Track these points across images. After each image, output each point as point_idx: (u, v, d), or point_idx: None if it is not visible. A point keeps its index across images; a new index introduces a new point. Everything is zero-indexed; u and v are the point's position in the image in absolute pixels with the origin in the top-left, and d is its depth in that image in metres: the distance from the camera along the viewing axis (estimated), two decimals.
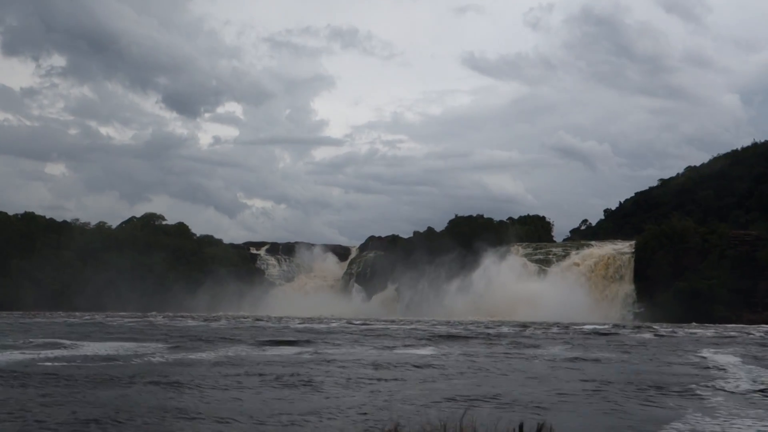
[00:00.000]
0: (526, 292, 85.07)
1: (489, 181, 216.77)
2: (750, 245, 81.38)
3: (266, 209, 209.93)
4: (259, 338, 30.27)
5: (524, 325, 51.87)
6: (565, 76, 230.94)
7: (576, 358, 22.98)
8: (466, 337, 31.72)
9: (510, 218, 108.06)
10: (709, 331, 47.15)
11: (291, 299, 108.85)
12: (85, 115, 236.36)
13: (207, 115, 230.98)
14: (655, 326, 56.87)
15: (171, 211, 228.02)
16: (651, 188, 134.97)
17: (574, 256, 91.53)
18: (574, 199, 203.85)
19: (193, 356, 21.65)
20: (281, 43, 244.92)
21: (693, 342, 33.24)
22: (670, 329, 49.29)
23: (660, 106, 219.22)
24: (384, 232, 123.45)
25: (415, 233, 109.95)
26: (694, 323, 66.70)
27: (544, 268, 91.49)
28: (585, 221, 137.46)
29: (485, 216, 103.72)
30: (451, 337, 31.76)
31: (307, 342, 27.49)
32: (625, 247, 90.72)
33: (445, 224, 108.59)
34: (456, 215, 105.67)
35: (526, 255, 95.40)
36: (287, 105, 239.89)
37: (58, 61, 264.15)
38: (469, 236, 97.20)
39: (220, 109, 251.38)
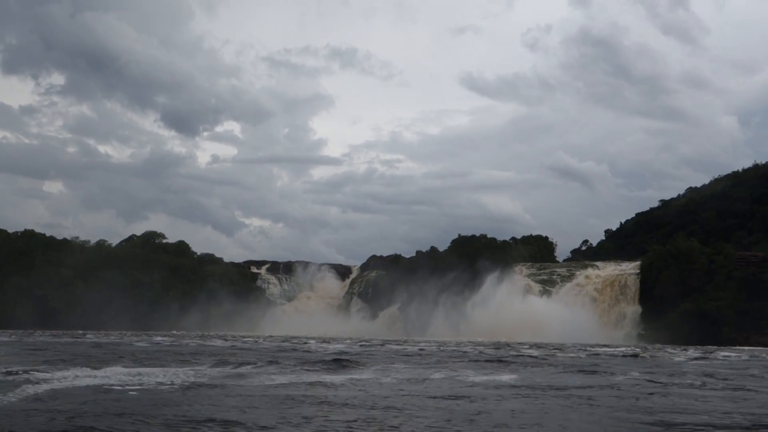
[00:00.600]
0: (532, 313, 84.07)
1: (487, 201, 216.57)
2: (756, 266, 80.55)
3: (264, 228, 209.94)
4: (307, 359, 28.77)
5: (539, 346, 50.76)
6: (563, 97, 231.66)
7: (680, 384, 20.75)
8: (506, 361, 30.29)
9: (513, 238, 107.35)
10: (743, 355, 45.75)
11: (292, 318, 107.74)
12: (83, 134, 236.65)
13: (205, 133, 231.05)
14: (670, 348, 55.81)
15: (169, 229, 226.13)
16: (652, 209, 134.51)
17: (579, 277, 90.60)
18: (572, 219, 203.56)
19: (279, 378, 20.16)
20: (280, 62, 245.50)
21: (747, 363, 32.08)
22: (700, 352, 47.88)
23: (658, 127, 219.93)
24: (382, 252, 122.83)
25: (418, 252, 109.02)
26: (711, 345, 65.67)
27: (548, 288, 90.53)
28: (586, 241, 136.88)
29: (488, 236, 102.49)
30: (499, 361, 30.30)
31: (356, 364, 25.82)
32: (629, 268, 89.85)
33: (445, 243, 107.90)
34: (459, 235, 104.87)
35: (530, 275, 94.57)
36: (286, 124, 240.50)
37: (58, 79, 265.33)
38: (473, 256, 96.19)
39: (218, 128, 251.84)
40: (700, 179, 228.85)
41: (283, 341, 53.17)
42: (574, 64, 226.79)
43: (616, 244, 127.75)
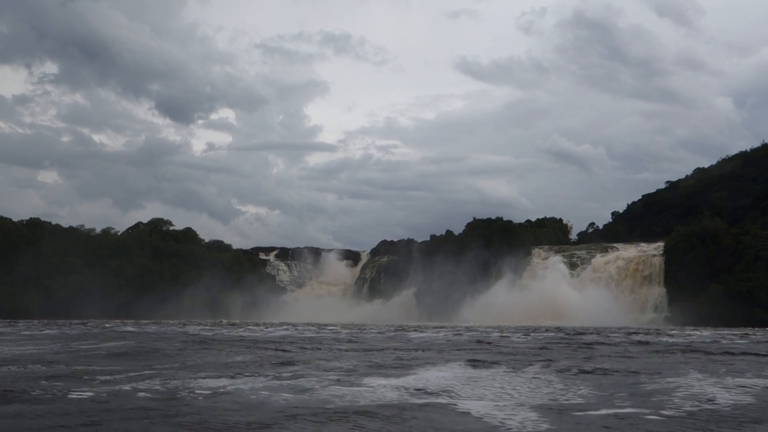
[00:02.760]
0: (555, 297, 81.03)
1: (483, 186, 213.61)
2: None
3: (260, 215, 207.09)
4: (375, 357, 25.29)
5: (579, 332, 47.45)
6: (558, 80, 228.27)
7: None
8: (573, 345, 26.86)
9: (528, 220, 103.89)
10: None
11: (304, 305, 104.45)
12: (77, 123, 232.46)
13: (200, 121, 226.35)
14: (714, 330, 52.72)
15: (165, 217, 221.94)
16: (659, 190, 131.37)
17: (600, 259, 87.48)
18: (570, 203, 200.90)
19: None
20: (274, 48, 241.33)
21: None
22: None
23: (654, 109, 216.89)
24: (379, 237, 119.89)
25: (432, 236, 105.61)
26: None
27: (570, 271, 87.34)
28: (592, 224, 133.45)
29: (503, 218, 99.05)
30: (559, 345, 26.95)
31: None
32: (651, 249, 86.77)
33: (442, 228, 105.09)
34: (474, 218, 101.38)
35: (548, 258, 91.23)
36: (280, 111, 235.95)
37: (51, 68, 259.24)
38: (490, 239, 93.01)
39: (213, 116, 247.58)
40: (697, 161, 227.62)
41: (318, 330, 49.44)
42: (568, 47, 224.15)
43: (624, 226, 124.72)
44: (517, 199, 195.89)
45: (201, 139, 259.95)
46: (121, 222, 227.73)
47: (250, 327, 53.66)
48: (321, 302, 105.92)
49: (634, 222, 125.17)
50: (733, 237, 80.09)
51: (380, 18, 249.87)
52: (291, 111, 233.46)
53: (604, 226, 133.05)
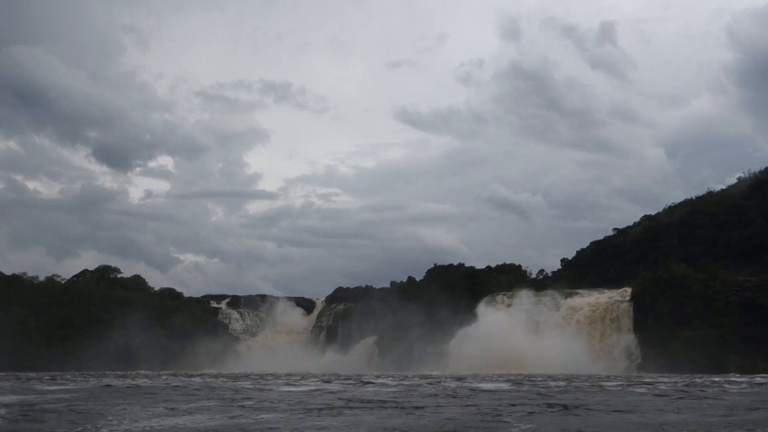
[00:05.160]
0: (524, 344, 77.71)
1: (424, 234, 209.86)
2: (752, 291, 75.98)
3: (199, 263, 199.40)
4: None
5: (552, 379, 43.97)
6: (497, 130, 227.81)
7: None
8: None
9: (488, 267, 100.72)
10: None
11: (259, 354, 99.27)
12: (11, 169, 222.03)
13: (138, 169, 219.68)
14: (698, 378, 49.99)
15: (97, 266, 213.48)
16: (607, 237, 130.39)
17: (566, 306, 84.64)
18: (509, 251, 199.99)
19: None
20: (214, 96, 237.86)
21: None
22: (745, 381, 42.13)
23: (589, 158, 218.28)
24: (320, 285, 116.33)
25: (392, 283, 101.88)
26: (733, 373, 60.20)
27: (536, 318, 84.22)
28: (542, 271, 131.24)
29: (465, 265, 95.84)
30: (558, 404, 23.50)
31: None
32: (615, 295, 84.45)
33: (382, 276, 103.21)
34: (435, 264, 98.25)
35: (512, 305, 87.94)
36: (220, 158, 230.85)
37: None
38: (453, 285, 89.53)
39: (151, 163, 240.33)
40: (633, 209, 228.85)
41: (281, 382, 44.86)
42: (506, 97, 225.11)
43: (576, 273, 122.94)
44: (458, 247, 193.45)
45: (139, 187, 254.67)
46: (55, 271, 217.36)
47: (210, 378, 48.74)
48: (276, 351, 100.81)
49: (584, 269, 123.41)
50: (701, 282, 78.18)
51: (321, 67, 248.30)
52: (231, 158, 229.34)
53: (553, 273, 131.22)
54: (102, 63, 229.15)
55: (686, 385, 36.94)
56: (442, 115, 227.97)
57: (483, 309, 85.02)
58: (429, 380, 45.88)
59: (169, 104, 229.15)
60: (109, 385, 38.48)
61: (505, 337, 79.62)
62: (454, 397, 27.41)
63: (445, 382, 43.15)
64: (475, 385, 38.73)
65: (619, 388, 34.41)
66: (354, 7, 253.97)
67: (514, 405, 23.40)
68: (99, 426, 17.03)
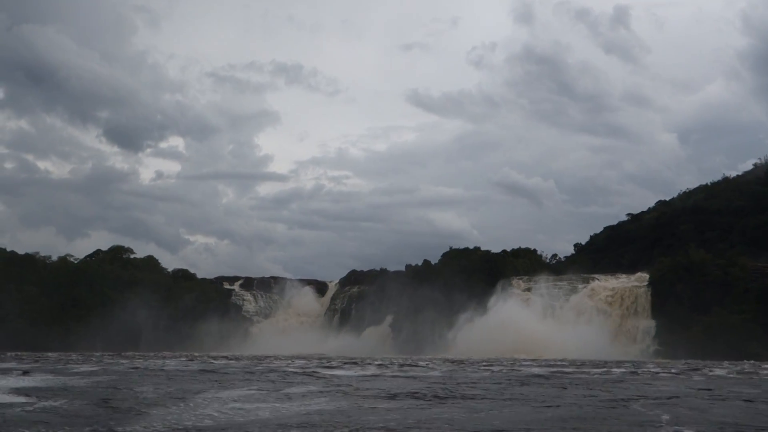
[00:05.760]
0: (542, 328, 76.85)
1: (434, 217, 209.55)
2: None
3: (209, 245, 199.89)
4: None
5: (587, 365, 43.00)
6: (508, 114, 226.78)
7: None
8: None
9: (504, 251, 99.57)
10: None
11: (271, 336, 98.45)
12: (22, 149, 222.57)
13: (149, 149, 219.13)
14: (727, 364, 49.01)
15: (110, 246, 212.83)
16: (621, 223, 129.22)
17: (584, 290, 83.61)
18: (520, 236, 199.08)
19: None
20: (225, 77, 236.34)
21: None
22: None
23: (601, 143, 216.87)
24: (329, 268, 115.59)
25: (407, 266, 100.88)
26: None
27: (553, 303, 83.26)
28: (554, 256, 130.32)
29: (481, 248, 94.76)
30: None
31: None
32: (632, 280, 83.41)
33: (393, 259, 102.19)
34: (450, 248, 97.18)
35: (529, 289, 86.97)
36: (231, 140, 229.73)
37: None
38: (468, 269, 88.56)
39: (162, 144, 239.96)
40: (644, 195, 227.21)
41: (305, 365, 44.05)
42: (518, 81, 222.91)
43: (590, 258, 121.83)
44: (468, 230, 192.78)
45: (149, 168, 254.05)
46: (65, 251, 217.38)
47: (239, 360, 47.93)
48: (289, 334, 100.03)
49: (598, 254, 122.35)
50: (720, 268, 77.08)
51: (333, 49, 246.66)
52: (242, 140, 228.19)
53: (566, 257, 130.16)
54: (114, 43, 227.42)
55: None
56: (453, 99, 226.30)
57: (500, 293, 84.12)
58: (463, 365, 44.88)
59: (181, 85, 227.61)
60: (137, 367, 37.60)
61: (524, 321, 78.90)
62: (541, 384, 26.22)
63: (491, 366, 42.17)
64: (527, 369, 37.79)
65: (698, 378, 33.34)
66: None
67: (625, 390, 22.64)
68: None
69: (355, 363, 45.92)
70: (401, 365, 42.98)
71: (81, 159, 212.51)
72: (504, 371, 35.78)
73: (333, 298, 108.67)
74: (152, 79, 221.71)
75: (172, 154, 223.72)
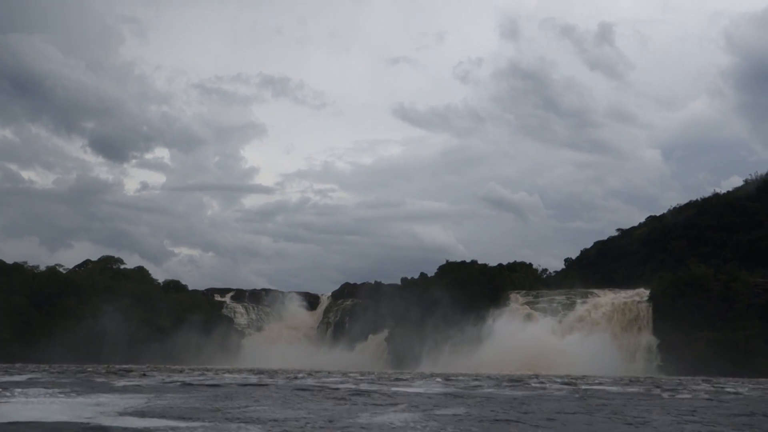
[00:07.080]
0: (545, 343, 75.25)
1: (420, 231, 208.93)
2: None
3: (194, 257, 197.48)
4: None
5: (599, 382, 41.49)
6: (494, 129, 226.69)
7: None
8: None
9: (500, 264, 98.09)
10: None
11: (265, 349, 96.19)
12: (5, 158, 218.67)
13: (134, 160, 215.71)
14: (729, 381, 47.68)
15: (93, 258, 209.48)
16: (611, 238, 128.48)
17: (583, 305, 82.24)
18: (505, 250, 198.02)
19: None
20: (212, 89, 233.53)
21: None
22: None
23: (586, 159, 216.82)
24: (315, 282, 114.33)
25: (403, 279, 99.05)
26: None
27: (552, 318, 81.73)
28: (545, 270, 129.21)
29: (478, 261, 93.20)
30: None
31: None
32: (632, 295, 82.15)
33: (377, 274, 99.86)
34: (447, 261, 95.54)
35: (528, 303, 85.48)
36: (217, 152, 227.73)
37: None
38: (465, 283, 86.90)
39: (148, 155, 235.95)
40: (629, 211, 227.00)
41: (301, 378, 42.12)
42: (504, 96, 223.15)
43: (580, 272, 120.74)
44: (454, 245, 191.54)
45: (134, 179, 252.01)
46: (48, 261, 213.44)
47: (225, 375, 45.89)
48: (282, 347, 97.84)
49: (589, 269, 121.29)
50: (722, 284, 76.00)
51: (320, 62, 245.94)
52: (227, 152, 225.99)
53: (556, 272, 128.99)
54: (100, 53, 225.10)
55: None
56: (440, 113, 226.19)
57: (501, 308, 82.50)
58: (485, 381, 43.12)
59: (167, 96, 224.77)
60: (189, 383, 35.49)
61: (527, 336, 77.31)
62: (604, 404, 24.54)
63: (514, 385, 40.47)
64: (556, 386, 36.10)
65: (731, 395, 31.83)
66: (354, 2, 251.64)
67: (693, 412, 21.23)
68: None
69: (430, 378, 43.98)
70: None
71: (65, 169, 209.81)
72: (541, 389, 34.06)
73: (326, 311, 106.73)
74: (139, 90, 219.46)
75: (157, 166, 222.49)
